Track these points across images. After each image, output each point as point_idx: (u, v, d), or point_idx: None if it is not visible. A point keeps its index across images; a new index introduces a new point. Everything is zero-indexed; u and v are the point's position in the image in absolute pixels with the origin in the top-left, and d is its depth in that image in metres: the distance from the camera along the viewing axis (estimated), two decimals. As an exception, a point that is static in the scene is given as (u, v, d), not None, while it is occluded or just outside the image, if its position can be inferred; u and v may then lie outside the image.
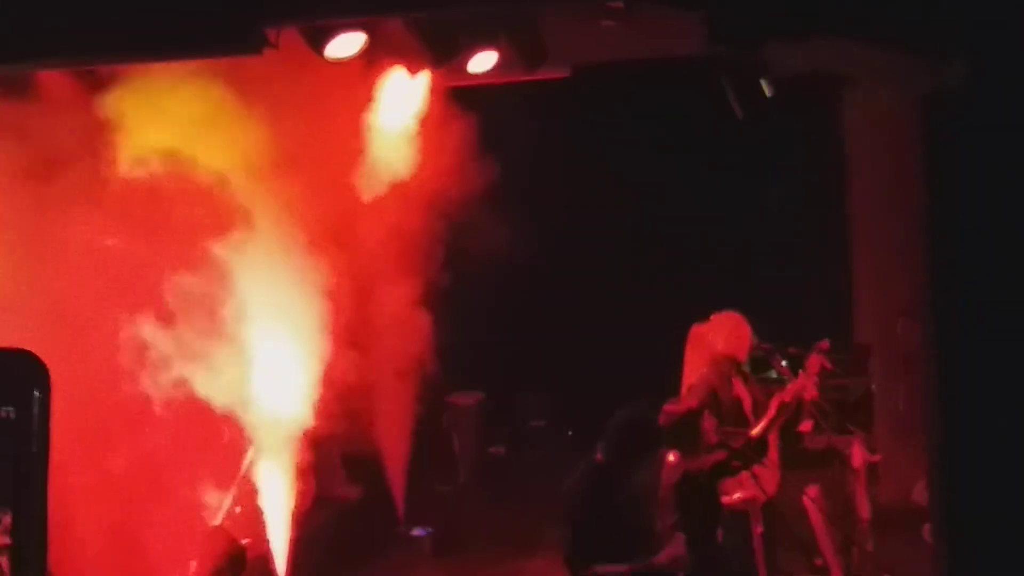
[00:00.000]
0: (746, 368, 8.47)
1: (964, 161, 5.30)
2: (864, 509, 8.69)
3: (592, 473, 6.12)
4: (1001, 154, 5.27)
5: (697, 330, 8.54)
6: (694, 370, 8.41)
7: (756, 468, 7.19)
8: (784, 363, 8.46)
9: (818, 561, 8.59)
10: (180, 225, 8.29)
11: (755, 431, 7.50)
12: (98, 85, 8.19)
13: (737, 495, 7.39)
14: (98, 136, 8.26)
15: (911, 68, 5.62)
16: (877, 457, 9.18)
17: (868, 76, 8.42)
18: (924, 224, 5.56)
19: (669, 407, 6.92)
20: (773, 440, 8.06)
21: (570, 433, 12.13)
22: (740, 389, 8.37)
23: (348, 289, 9.02)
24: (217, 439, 8.40)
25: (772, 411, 7.56)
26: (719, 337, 8.29)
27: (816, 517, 8.47)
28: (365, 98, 9.05)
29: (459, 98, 9.19)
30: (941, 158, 5.38)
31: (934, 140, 5.40)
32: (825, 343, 8.17)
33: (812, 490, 8.28)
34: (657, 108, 10.43)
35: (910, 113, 6.07)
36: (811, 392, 7.90)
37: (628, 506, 6.01)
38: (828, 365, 8.07)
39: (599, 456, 6.10)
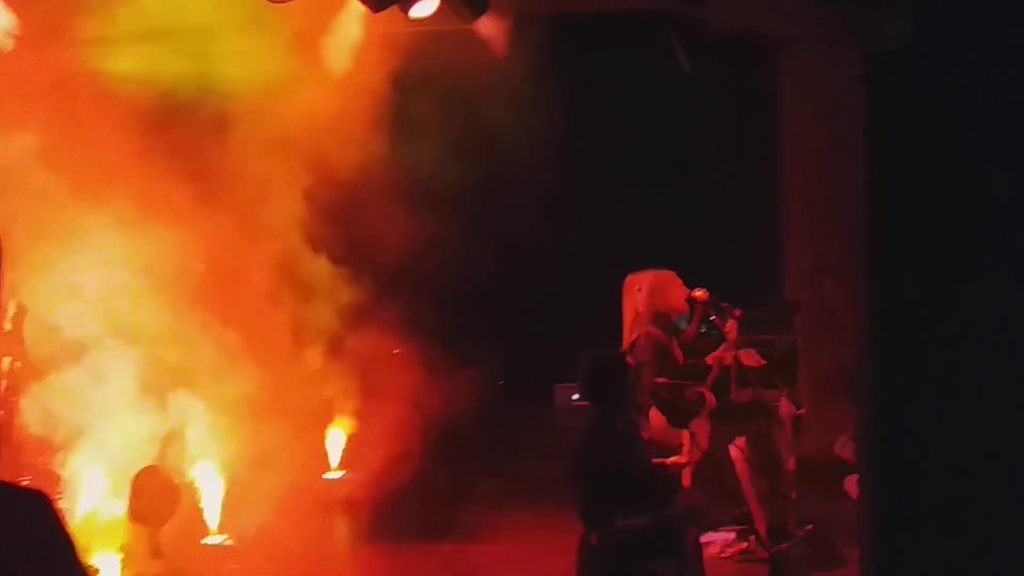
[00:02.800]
0: (680, 325, 8.66)
1: (904, 121, 5.38)
2: (789, 461, 8.88)
3: (590, 426, 6.09)
4: (943, 114, 5.36)
5: (632, 279, 8.66)
6: (629, 317, 8.54)
7: (693, 423, 7.34)
8: (714, 317, 8.64)
9: (742, 510, 8.79)
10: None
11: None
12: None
13: (674, 459, 7.49)
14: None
15: (854, 26, 5.69)
16: (802, 411, 9.39)
17: (808, 34, 8.52)
18: (862, 182, 5.65)
19: (592, 355, 6.97)
20: (709, 395, 8.29)
21: (502, 383, 12.21)
22: (675, 349, 8.55)
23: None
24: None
25: (714, 371, 7.82)
26: (657, 295, 8.44)
27: (742, 468, 8.65)
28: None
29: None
30: (881, 117, 5.46)
31: (875, 99, 5.48)
32: (739, 311, 8.45)
33: (740, 441, 8.45)
34: (594, 61, 10.44)
35: (846, 72, 6.14)
36: (749, 359, 8.24)
37: (628, 449, 5.99)
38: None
39: (596, 413, 6.05)
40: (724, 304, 8.57)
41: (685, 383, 8.05)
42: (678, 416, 7.27)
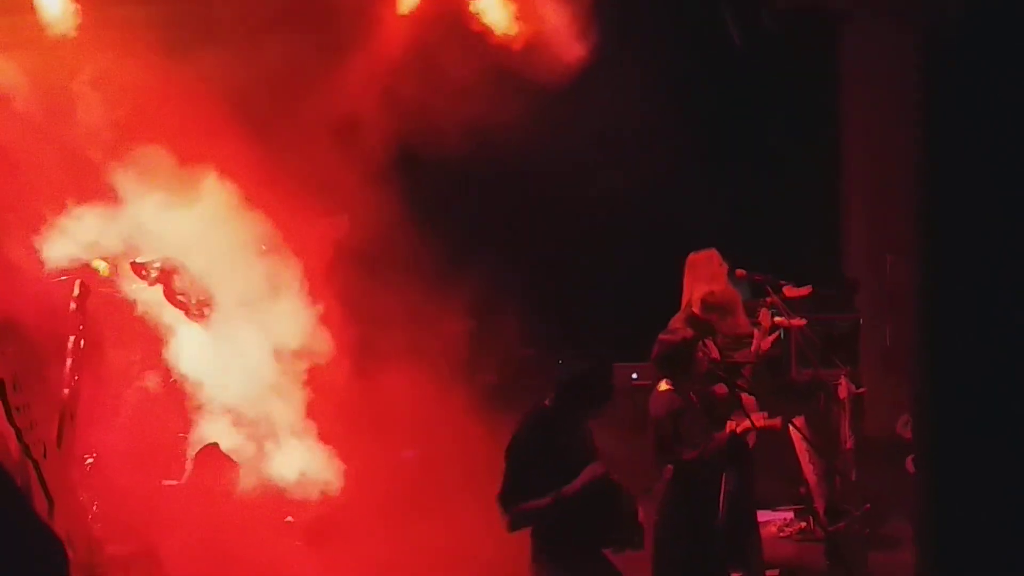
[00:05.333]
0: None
1: (960, 97, 5.29)
2: (848, 440, 8.82)
3: (537, 417, 6.16)
4: (999, 90, 5.26)
5: (694, 257, 8.62)
6: (687, 296, 8.51)
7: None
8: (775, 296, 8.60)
9: (801, 490, 8.74)
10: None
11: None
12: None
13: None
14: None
15: (910, 0, 5.60)
16: (862, 390, 9.31)
17: (867, 9, 8.41)
18: (916, 159, 5.57)
19: (664, 336, 7.02)
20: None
21: (560, 362, 12.19)
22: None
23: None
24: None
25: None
26: (701, 276, 8.39)
27: (801, 447, 8.59)
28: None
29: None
30: (937, 93, 5.38)
31: (931, 75, 5.39)
32: (771, 298, 8.44)
33: (798, 420, 8.39)
34: (651, 38, 10.35)
35: (907, 49, 6.05)
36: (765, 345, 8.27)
37: (568, 448, 6.06)
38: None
39: (547, 403, 6.16)
40: (757, 277, 8.53)
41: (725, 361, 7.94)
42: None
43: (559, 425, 6.10)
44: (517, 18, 9.37)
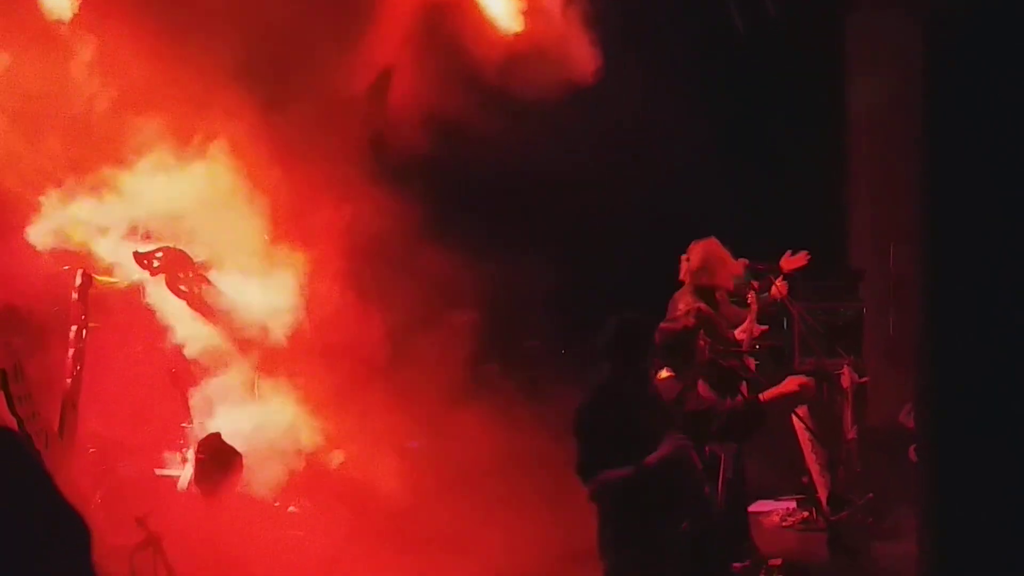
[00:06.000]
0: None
1: (963, 83, 5.27)
2: (851, 430, 8.81)
3: (599, 385, 6.12)
4: (1003, 81, 5.23)
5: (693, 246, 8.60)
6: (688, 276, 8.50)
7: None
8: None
9: (804, 479, 8.74)
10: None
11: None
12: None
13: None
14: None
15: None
16: (865, 379, 9.30)
17: (870, -2, 8.38)
18: (919, 150, 5.54)
19: (665, 325, 6.99)
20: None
21: (563, 352, 12.20)
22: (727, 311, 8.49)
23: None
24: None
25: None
26: (703, 271, 8.37)
27: (803, 436, 8.59)
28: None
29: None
30: (940, 83, 5.35)
31: (934, 65, 5.37)
32: (756, 284, 8.44)
33: (800, 409, 8.38)
34: (655, 24, 10.32)
35: (911, 37, 6.02)
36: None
37: (637, 415, 6.00)
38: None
39: (603, 370, 6.09)
40: (760, 266, 8.51)
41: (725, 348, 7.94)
42: (732, 383, 7.21)
43: (622, 390, 6.03)
44: (522, 16, 9.35)
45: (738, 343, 8.01)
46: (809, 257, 8.67)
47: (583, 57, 9.17)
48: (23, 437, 3.67)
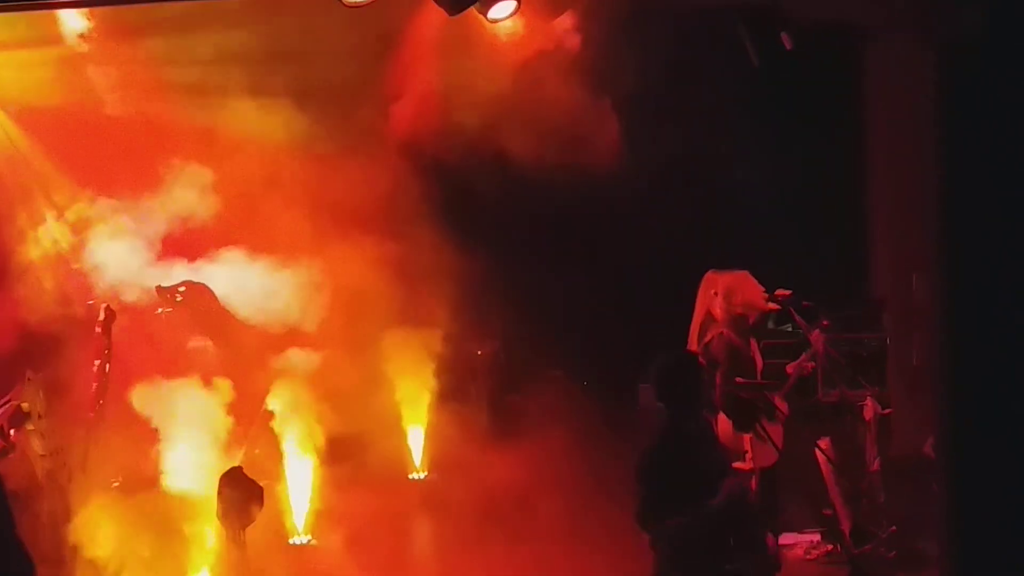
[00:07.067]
0: (767, 325, 8.61)
1: (979, 111, 5.28)
2: (874, 461, 8.75)
3: (660, 430, 5.97)
4: (1017, 107, 5.24)
5: (709, 278, 8.60)
6: (699, 317, 8.49)
7: (766, 423, 7.24)
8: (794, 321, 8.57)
9: (827, 511, 8.68)
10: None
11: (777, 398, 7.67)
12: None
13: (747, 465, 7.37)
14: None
15: (929, 16, 5.59)
16: (888, 411, 9.23)
17: (886, 25, 8.37)
18: (937, 176, 5.55)
19: (661, 357, 6.84)
20: (781, 403, 8.19)
21: (585, 383, 12.18)
22: (755, 352, 8.45)
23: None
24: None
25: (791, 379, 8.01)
26: (734, 296, 8.36)
27: (826, 468, 8.54)
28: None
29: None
30: (956, 108, 5.36)
31: (949, 89, 5.38)
32: (826, 321, 8.34)
33: (823, 442, 8.33)
34: (674, 57, 10.35)
35: (928, 65, 6.03)
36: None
37: (696, 450, 5.87)
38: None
39: (652, 403, 5.98)
40: (806, 303, 8.46)
41: (766, 383, 7.94)
42: (751, 418, 7.15)
43: (682, 433, 5.90)
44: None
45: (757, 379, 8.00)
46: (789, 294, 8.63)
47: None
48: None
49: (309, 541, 9.22)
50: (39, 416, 7.28)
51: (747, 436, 7.65)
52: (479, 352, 11.90)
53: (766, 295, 8.38)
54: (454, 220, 10.54)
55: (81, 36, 8.76)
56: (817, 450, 8.32)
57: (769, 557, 6.08)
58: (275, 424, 9.20)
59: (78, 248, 8.94)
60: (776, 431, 7.75)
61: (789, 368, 8.34)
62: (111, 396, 7.96)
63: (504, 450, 10.15)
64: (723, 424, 7.70)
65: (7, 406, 7.45)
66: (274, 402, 9.16)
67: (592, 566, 8.48)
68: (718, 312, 8.34)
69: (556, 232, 11.27)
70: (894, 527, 8.46)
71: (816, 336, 8.42)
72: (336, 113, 9.64)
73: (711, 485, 5.75)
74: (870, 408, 8.84)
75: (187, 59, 9.17)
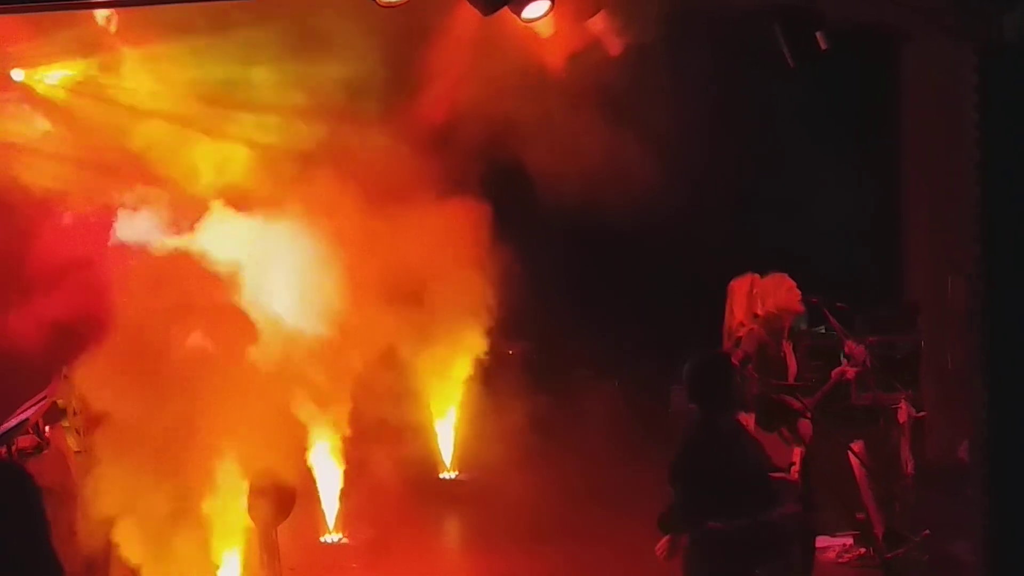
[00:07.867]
0: (800, 326, 8.53)
1: (1019, 114, 5.23)
2: (908, 465, 8.70)
3: (693, 432, 5.92)
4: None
5: (737, 283, 8.55)
6: (731, 321, 8.42)
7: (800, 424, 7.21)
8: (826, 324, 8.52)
9: (860, 515, 8.63)
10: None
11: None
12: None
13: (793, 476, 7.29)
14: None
15: (967, 19, 5.54)
16: (923, 414, 9.17)
17: (924, 27, 8.31)
18: (974, 179, 5.50)
19: (693, 356, 6.80)
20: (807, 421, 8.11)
21: (617, 384, 12.18)
22: (789, 354, 8.38)
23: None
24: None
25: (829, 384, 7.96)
26: (767, 298, 8.28)
27: (860, 472, 8.49)
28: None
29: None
30: (994, 111, 5.32)
31: (988, 93, 5.33)
32: (872, 339, 8.28)
33: (856, 445, 8.28)
34: (710, 58, 10.33)
35: (966, 67, 5.98)
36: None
37: (731, 451, 5.80)
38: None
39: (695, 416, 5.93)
40: (840, 304, 8.39)
41: (798, 385, 7.87)
42: (776, 420, 7.09)
43: (715, 434, 5.84)
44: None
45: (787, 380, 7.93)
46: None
47: None
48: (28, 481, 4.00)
49: (340, 539, 9.25)
50: (74, 413, 7.30)
51: (798, 449, 7.54)
52: (511, 352, 11.91)
53: (801, 298, 8.30)
54: (490, 221, 10.58)
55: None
56: (850, 453, 8.28)
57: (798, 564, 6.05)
58: (305, 422, 9.21)
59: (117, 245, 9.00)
60: (805, 426, 7.70)
61: (834, 373, 8.19)
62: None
63: (535, 451, 10.16)
64: (746, 422, 7.61)
65: (42, 403, 7.50)
66: (304, 401, 9.17)
67: (623, 568, 8.46)
68: (752, 312, 8.27)
69: (590, 232, 11.25)
70: (927, 531, 8.40)
71: (861, 352, 8.30)
72: (372, 111, 9.68)
73: (745, 486, 5.71)
74: (904, 411, 8.79)
75: (217, 57, 9.25)
